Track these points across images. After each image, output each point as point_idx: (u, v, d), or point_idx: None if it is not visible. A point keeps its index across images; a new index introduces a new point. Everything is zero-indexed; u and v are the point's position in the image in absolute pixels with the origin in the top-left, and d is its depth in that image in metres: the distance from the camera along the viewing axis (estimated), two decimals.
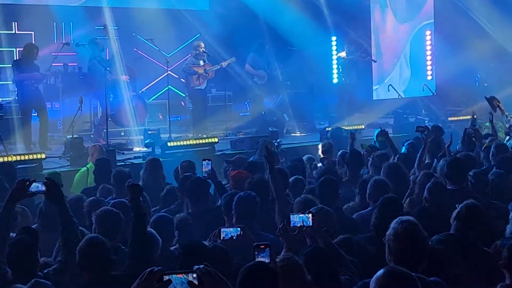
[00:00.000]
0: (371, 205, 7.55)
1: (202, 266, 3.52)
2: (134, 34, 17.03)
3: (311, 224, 5.54)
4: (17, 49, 16.07)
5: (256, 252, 4.78)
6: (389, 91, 20.43)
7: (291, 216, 5.58)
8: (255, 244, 4.91)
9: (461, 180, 8.15)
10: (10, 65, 14.62)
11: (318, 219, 5.67)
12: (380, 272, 3.88)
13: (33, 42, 15.22)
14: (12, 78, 14.53)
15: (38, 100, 14.18)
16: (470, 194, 7.79)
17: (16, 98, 14.36)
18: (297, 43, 18.43)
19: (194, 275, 3.49)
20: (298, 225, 5.53)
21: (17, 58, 14.85)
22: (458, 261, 5.76)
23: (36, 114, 14.28)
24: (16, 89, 14.30)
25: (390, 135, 14.15)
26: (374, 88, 20.82)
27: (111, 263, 5.54)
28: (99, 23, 15.88)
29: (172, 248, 6.56)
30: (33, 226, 6.88)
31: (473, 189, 8.20)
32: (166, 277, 3.47)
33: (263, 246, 4.82)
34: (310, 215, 5.59)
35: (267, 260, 4.66)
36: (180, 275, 3.48)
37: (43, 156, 11.98)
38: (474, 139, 11.42)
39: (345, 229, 6.50)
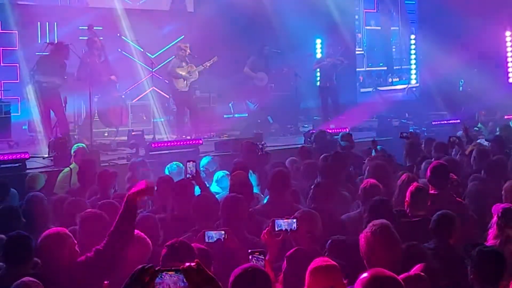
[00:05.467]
0: (361, 206, 7.50)
1: (194, 263, 3.52)
2: (118, 34, 16.98)
3: (295, 228, 5.58)
4: (1, 49, 16.06)
5: (250, 257, 4.83)
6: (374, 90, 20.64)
7: (276, 221, 5.61)
8: (250, 250, 4.98)
9: (443, 185, 8.14)
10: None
11: (302, 222, 5.70)
12: (365, 275, 3.89)
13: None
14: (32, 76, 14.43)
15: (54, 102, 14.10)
16: (451, 199, 7.82)
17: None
18: (281, 45, 18.46)
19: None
20: (284, 229, 5.57)
21: (41, 56, 14.61)
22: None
23: None
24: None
25: (374, 138, 14.27)
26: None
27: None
28: (84, 23, 15.82)
29: None
30: None
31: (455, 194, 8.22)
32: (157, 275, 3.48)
33: (257, 253, 4.88)
34: (295, 220, 5.65)
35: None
36: (171, 273, 3.48)
37: (27, 156, 11.91)
38: (457, 146, 11.53)
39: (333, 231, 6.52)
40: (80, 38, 15.60)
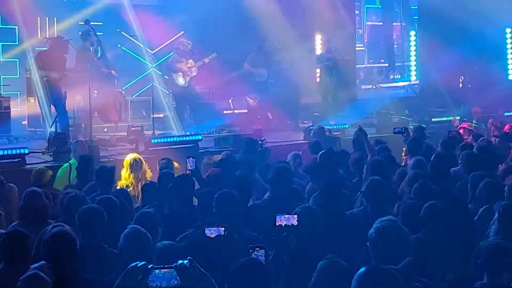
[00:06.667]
0: (365, 203, 7.48)
1: (186, 261, 3.53)
2: (118, 30, 16.97)
3: (296, 224, 5.60)
4: (1, 44, 16.05)
5: (250, 252, 4.85)
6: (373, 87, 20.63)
7: (276, 216, 5.63)
8: (250, 246, 4.99)
9: (443, 180, 8.15)
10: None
11: (303, 218, 5.72)
12: (362, 270, 3.91)
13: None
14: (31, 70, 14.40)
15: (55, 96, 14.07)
16: (452, 194, 7.83)
17: None
18: (282, 41, 18.44)
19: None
20: (284, 224, 5.59)
21: (41, 51, 14.63)
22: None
23: None
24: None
25: (373, 135, 14.25)
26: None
27: None
28: (83, 18, 15.80)
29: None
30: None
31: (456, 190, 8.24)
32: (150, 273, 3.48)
33: (258, 248, 4.91)
34: (295, 215, 5.68)
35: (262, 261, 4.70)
36: (164, 270, 3.48)
37: (26, 151, 11.90)
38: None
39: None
40: (80, 33, 15.57)
